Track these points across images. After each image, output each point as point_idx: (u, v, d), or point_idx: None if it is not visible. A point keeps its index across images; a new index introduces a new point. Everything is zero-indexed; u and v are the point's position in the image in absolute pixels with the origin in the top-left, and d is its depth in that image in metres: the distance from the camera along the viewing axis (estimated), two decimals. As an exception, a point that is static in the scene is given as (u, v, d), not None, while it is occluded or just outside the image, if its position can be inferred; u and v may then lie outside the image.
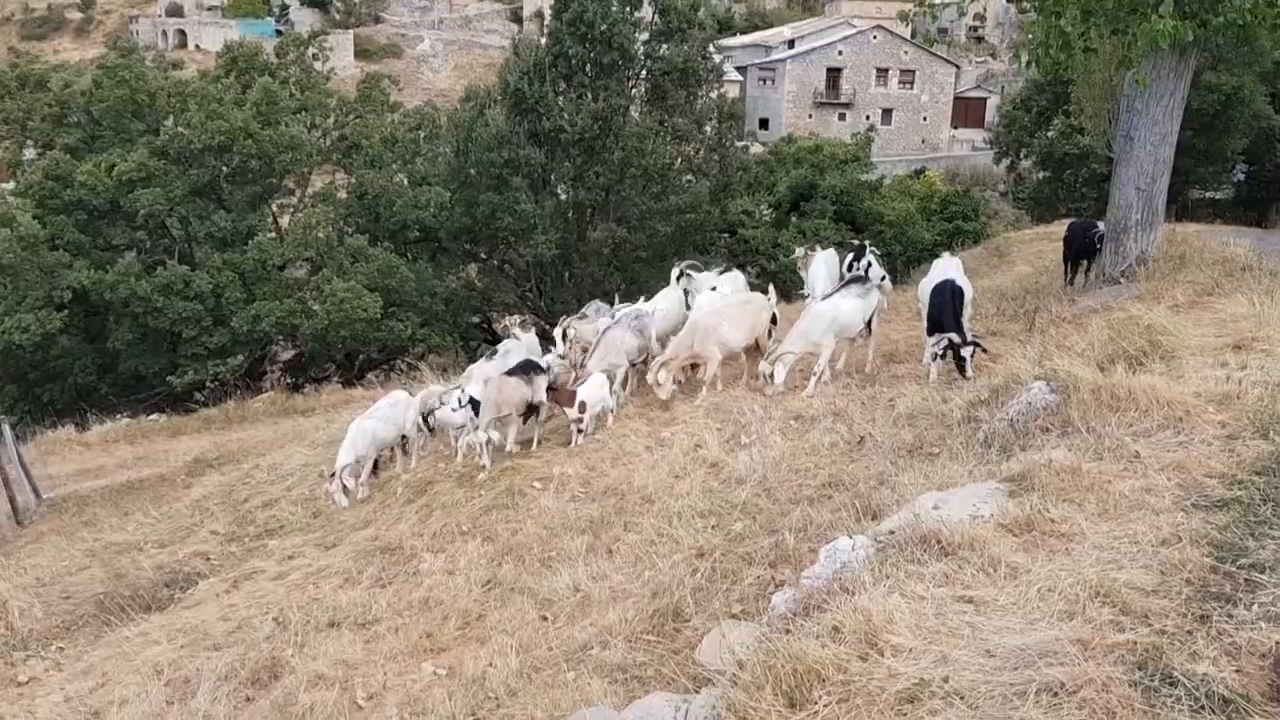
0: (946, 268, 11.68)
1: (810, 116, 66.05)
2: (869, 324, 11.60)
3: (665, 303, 13.43)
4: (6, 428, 16.58)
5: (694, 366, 11.98)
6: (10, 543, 14.03)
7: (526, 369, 11.52)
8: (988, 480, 6.06)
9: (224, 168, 27.60)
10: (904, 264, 27.27)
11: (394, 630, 7.59)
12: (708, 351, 11.45)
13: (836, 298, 11.31)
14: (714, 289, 13.46)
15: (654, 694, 4.83)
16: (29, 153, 29.45)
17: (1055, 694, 3.73)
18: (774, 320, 12.31)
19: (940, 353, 10.10)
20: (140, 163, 25.99)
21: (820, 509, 7.21)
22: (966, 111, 70.77)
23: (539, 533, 8.92)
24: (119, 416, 23.74)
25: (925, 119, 68.67)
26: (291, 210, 31.12)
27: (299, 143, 27.91)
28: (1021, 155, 39.09)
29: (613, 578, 7.47)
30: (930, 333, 10.43)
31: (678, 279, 13.88)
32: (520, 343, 13.45)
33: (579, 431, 10.90)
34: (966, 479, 6.38)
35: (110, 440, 21.28)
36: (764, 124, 66.12)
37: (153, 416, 23.57)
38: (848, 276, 13.22)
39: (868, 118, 65.94)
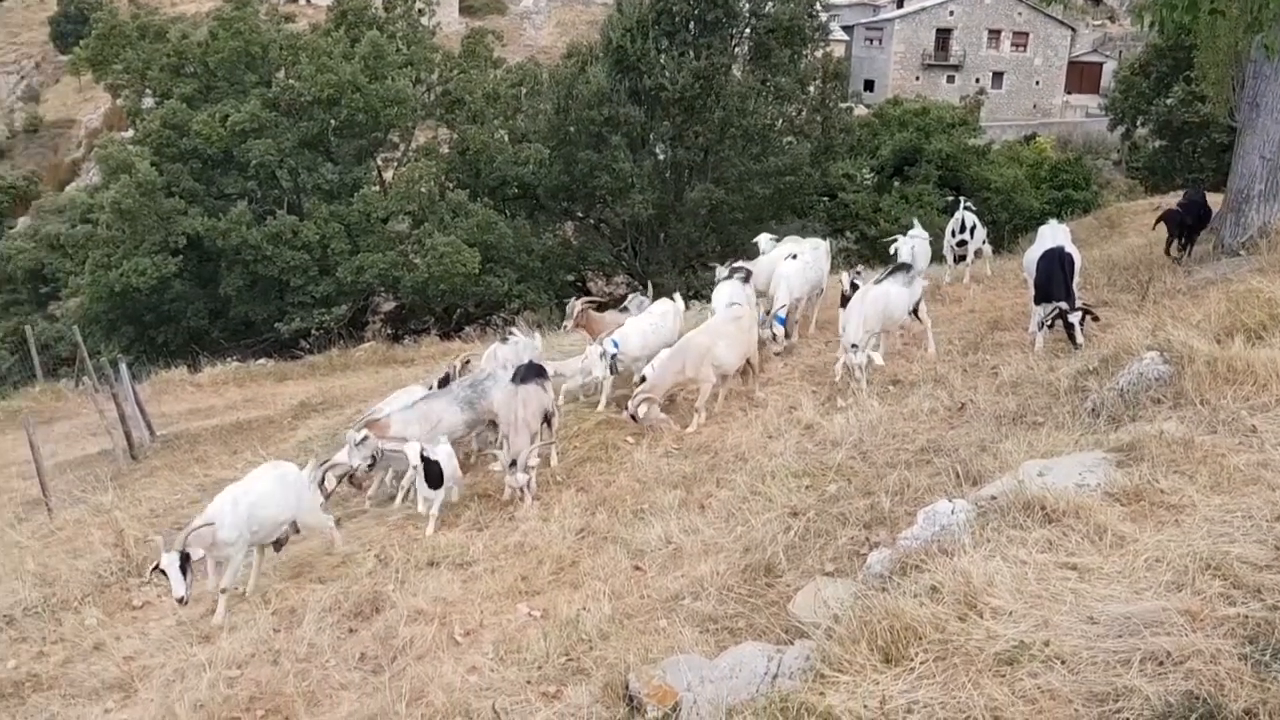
0: (1055, 235, 11.34)
1: (917, 79, 64.37)
2: (915, 311, 11.06)
3: (648, 322, 11.93)
4: (124, 367, 17.29)
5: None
6: (126, 475, 14.69)
7: (540, 373, 10.29)
8: (1094, 450, 5.94)
9: (332, 120, 28.12)
10: (1010, 232, 26.55)
11: (490, 572, 7.77)
12: (701, 375, 10.32)
13: (887, 284, 10.76)
14: (793, 256, 13.09)
15: (747, 643, 4.88)
16: (148, 101, 30.34)
17: (1161, 663, 3.67)
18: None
19: (1048, 321, 9.85)
20: (253, 114, 26.63)
21: (918, 473, 7.15)
22: (1081, 76, 68.18)
23: (632, 485, 9.03)
24: (229, 360, 24.54)
25: (1038, 83, 66.41)
26: (395, 164, 31.63)
27: (404, 97, 28.25)
28: (1138, 123, 37.68)
29: (704, 532, 7.53)
30: (1038, 301, 10.17)
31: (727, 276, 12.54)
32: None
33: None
34: (1072, 448, 6.26)
35: (220, 382, 22.06)
36: (869, 85, 64.70)
37: (260, 361, 24.34)
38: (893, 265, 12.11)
39: (977, 80, 64.10)
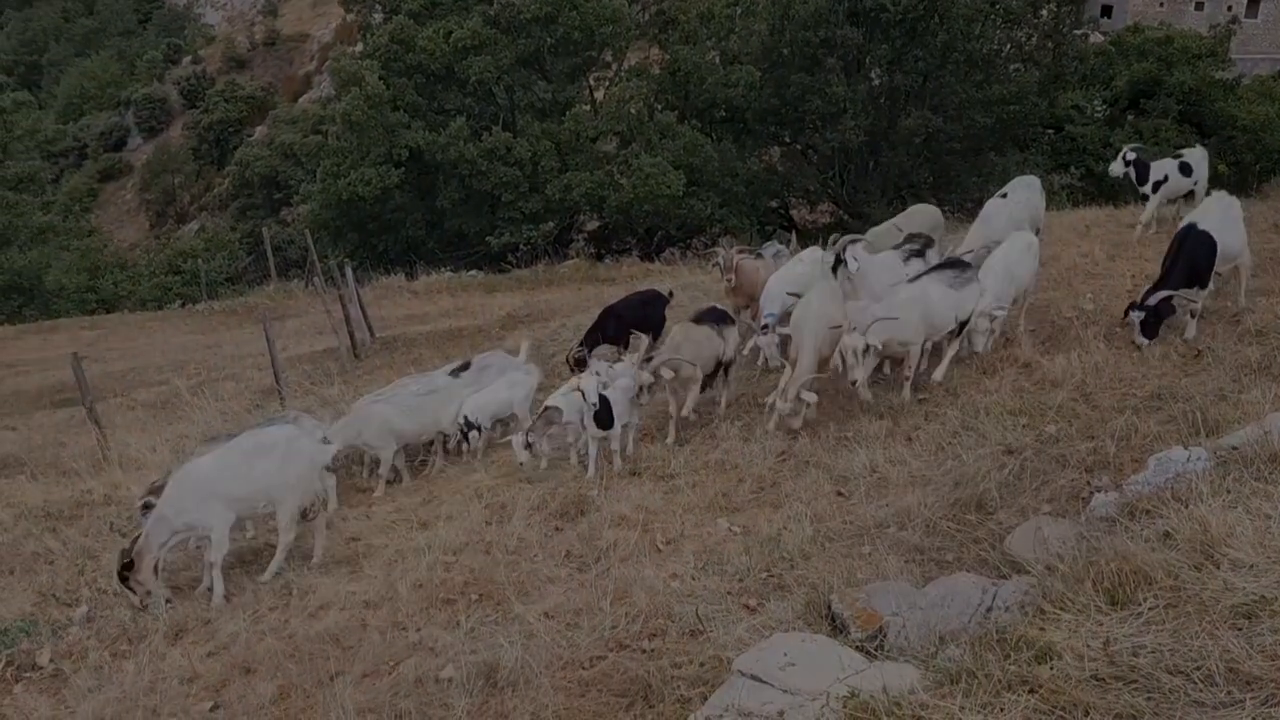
0: (1207, 212, 9.41)
1: (1161, 4, 59.39)
2: (962, 325, 8.96)
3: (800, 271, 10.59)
4: (349, 271, 18.39)
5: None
6: (349, 372, 15.71)
7: (718, 318, 9.90)
8: (1356, 406, 5.49)
9: (548, 39, 28.47)
10: (1258, 173, 24.44)
11: (691, 486, 7.92)
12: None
13: (926, 281, 8.84)
14: (1004, 195, 12.08)
15: (959, 574, 4.81)
16: (376, 17, 31.53)
17: None
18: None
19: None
20: (474, 30, 27.27)
21: (1146, 419, 6.80)
22: (1354, 5, 61.38)
23: (835, 413, 8.96)
24: (442, 270, 25.66)
25: (1300, 12, 60.25)
26: (606, 84, 31.85)
27: (619, 16, 28.29)
28: None
29: (911, 463, 7.41)
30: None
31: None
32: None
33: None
34: (1327, 403, 5.80)
35: (434, 291, 23.17)
36: (1106, 11, 60.09)
37: (471, 272, 25.37)
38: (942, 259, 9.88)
39: (1229, 9, 58.51)
